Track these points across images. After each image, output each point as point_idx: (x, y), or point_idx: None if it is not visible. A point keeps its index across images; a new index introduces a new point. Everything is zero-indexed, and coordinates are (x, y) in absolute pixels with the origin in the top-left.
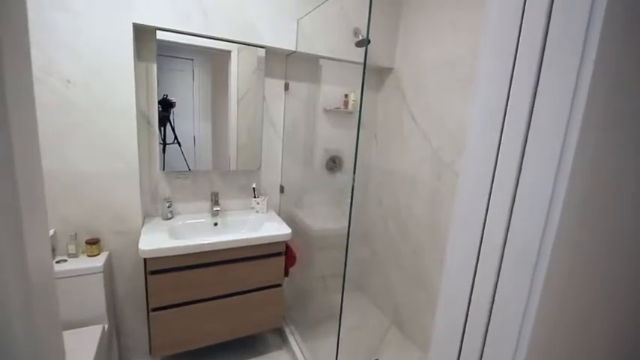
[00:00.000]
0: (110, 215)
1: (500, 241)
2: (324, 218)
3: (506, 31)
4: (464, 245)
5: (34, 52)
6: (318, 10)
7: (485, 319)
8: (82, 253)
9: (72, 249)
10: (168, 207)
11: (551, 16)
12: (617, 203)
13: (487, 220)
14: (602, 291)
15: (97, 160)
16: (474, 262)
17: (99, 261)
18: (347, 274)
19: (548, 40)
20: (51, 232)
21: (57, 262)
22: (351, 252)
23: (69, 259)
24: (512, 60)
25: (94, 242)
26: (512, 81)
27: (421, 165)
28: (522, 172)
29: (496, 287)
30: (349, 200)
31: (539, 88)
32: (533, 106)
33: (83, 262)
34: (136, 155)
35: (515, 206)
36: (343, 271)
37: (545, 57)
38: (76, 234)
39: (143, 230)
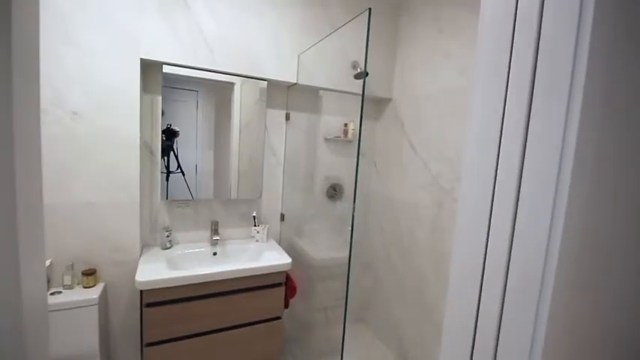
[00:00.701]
0: (108, 245)
1: (503, 269)
2: (325, 247)
3: (497, 65)
4: (466, 274)
5: (43, 85)
6: (318, 45)
7: (492, 351)
8: (78, 284)
9: (67, 280)
10: (167, 236)
11: (539, 54)
12: (616, 219)
13: (488, 250)
14: (608, 311)
15: (99, 190)
16: (477, 291)
17: (94, 293)
18: (349, 305)
19: (537, 68)
20: (47, 262)
21: (51, 293)
22: (352, 282)
23: (64, 291)
24: (505, 86)
25: (90, 273)
26: (505, 113)
27: (421, 192)
28: (520, 200)
29: (501, 317)
30: (350, 228)
31: (531, 116)
32: (526, 139)
33: (78, 294)
34: (137, 185)
35: (515, 232)
36: (345, 302)
37: (535, 83)
38: (72, 264)
39: (141, 260)
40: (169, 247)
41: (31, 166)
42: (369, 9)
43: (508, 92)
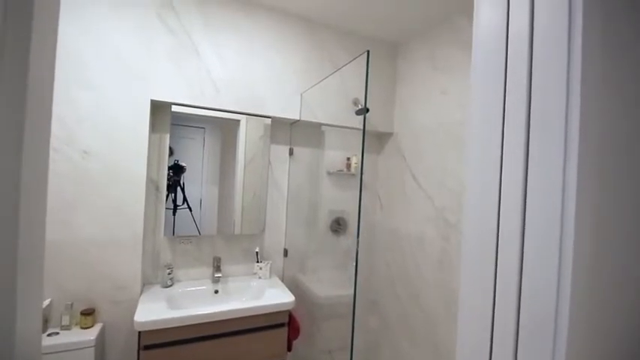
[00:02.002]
0: (109, 283)
1: (514, 309)
2: (329, 284)
3: (491, 104)
4: (476, 314)
5: (55, 126)
6: (320, 84)
7: None
8: (76, 324)
9: (66, 320)
10: (169, 274)
11: (532, 92)
12: (624, 244)
13: (497, 291)
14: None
15: (103, 227)
16: (489, 333)
17: (92, 334)
18: (355, 346)
19: (532, 95)
20: (47, 301)
21: (49, 334)
22: (358, 322)
23: (61, 332)
24: (501, 130)
25: (89, 313)
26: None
27: (427, 225)
28: (526, 233)
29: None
30: (354, 263)
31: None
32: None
33: (75, 336)
34: (141, 222)
35: (524, 267)
36: (350, 344)
37: (532, 103)
38: (72, 304)
39: (141, 299)
40: (170, 285)
41: (37, 208)
42: (368, 51)
43: (505, 137)
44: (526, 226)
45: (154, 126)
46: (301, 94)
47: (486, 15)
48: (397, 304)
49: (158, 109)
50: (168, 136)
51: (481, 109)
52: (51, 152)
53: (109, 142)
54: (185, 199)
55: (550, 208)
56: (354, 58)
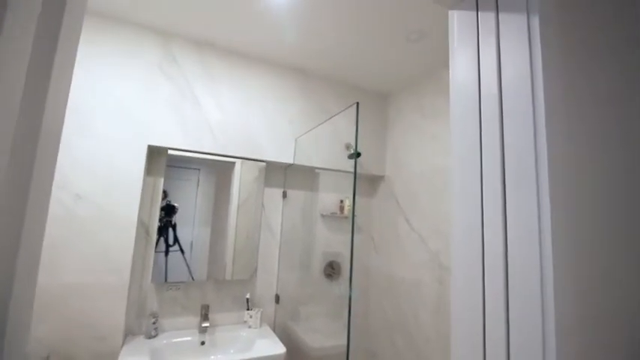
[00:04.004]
0: (89, 333)
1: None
2: (322, 333)
3: (470, 160)
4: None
5: None
6: (313, 130)
7: None
8: None
9: None
10: (153, 323)
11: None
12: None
13: (486, 337)
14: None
15: (88, 272)
16: None
17: None
18: None
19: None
20: None
21: None
22: None
23: None
24: (480, 179)
25: None
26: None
27: (421, 270)
28: (509, 273)
29: None
30: (347, 314)
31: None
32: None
33: None
34: (129, 267)
35: (510, 317)
36: None
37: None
38: (48, 356)
39: (122, 352)
40: (154, 336)
41: (33, 255)
42: (357, 103)
43: (483, 181)
44: (509, 267)
45: (150, 170)
46: (295, 139)
47: (460, 74)
48: (395, 353)
49: (155, 153)
50: (162, 180)
51: (461, 156)
52: None
53: (103, 186)
54: (176, 240)
55: (528, 251)
56: (345, 109)
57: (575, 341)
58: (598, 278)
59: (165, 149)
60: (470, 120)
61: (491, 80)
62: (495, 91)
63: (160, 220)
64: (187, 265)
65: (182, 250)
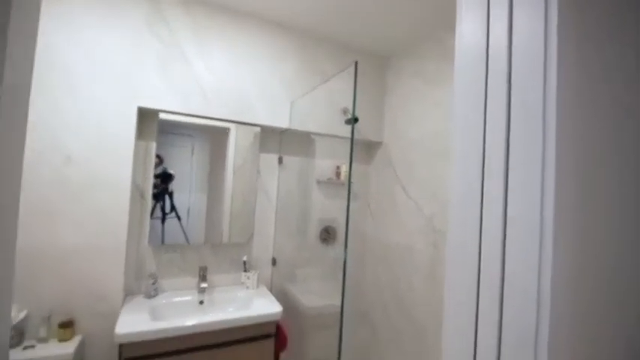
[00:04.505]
0: (89, 294)
1: (496, 322)
2: (318, 294)
3: (473, 118)
4: (460, 327)
5: (40, 132)
6: (309, 94)
7: None
8: (53, 337)
9: (43, 332)
10: (153, 284)
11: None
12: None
13: (479, 306)
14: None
15: (85, 234)
16: (472, 345)
17: (70, 347)
18: (344, 358)
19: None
20: (23, 313)
21: (24, 348)
22: (348, 333)
23: (37, 345)
24: (482, 141)
25: (67, 325)
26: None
27: (416, 236)
28: (507, 248)
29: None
30: (342, 276)
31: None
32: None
33: (52, 349)
34: (125, 229)
35: (505, 275)
36: (337, 355)
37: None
38: (49, 316)
39: (123, 311)
40: (154, 296)
41: (9, 213)
42: (356, 62)
43: (486, 144)
44: (507, 230)
45: (141, 133)
46: (291, 103)
47: (467, 31)
48: (387, 315)
49: (145, 116)
50: (154, 143)
51: (463, 120)
52: (32, 156)
53: (93, 148)
54: (173, 208)
55: (529, 217)
56: (343, 70)
57: (570, 301)
58: (601, 254)
59: (156, 112)
60: (475, 83)
61: (500, 42)
62: (504, 54)
63: (157, 187)
64: (184, 232)
65: (179, 217)
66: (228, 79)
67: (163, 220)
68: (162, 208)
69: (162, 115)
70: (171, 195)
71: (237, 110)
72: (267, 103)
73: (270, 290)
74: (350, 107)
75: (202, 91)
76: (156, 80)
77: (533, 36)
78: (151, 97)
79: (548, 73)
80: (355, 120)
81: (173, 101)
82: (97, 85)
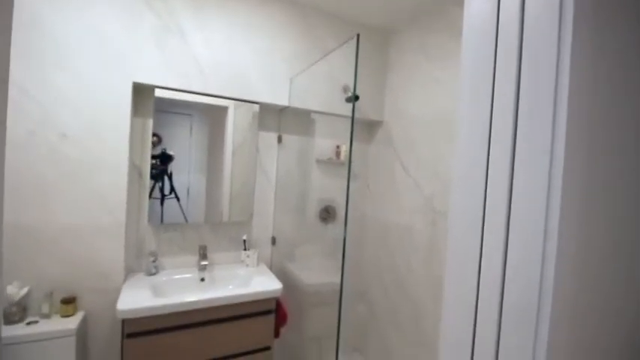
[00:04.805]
0: (90, 271)
1: (497, 296)
2: (317, 272)
3: (481, 88)
4: (460, 302)
5: (32, 109)
6: (309, 70)
7: None
8: (56, 313)
9: (45, 308)
10: (153, 261)
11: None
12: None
13: (481, 275)
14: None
15: (84, 213)
16: (472, 320)
17: (73, 322)
18: (343, 334)
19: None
20: (25, 290)
21: (27, 323)
22: (347, 310)
23: (40, 321)
24: (490, 105)
25: (69, 301)
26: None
27: (415, 215)
28: (511, 219)
29: (498, 344)
30: (342, 253)
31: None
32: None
33: (55, 324)
34: (124, 208)
35: (508, 253)
36: (337, 331)
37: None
38: (51, 293)
39: (124, 287)
40: (155, 273)
41: None
42: (358, 35)
43: (492, 124)
44: (512, 209)
45: (137, 110)
46: (290, 80)
47: (477, 3)
48: (385, 293)
49: (141, 92)
50: (151, 121)
51: (470, 97)
52: (26, 134)
53: (88, 125)
54: (173, 189)
55: (535, 195)
56: (345, 42)
57: (572, 289)
58: (607, 245)
59: (152, 87)
60: (484, 57)
61: (512, 15)
62: (516, 28)
63: (155, 168)
64: (183, 213)
65: (178, 198)
66: (226, 55)
67: (162, 201)
68: (162, 190)
69: (158, 93)
70: (170, 176)
71: (235, 87)
72: (266, 80)
73: (270, 269)
74: (350, 85)
75: (199, 67)
76: (151, 55)
77: (548, 6)
78: (146, 73)
79: (562, 44)
80: (356, 98)
81: (169, 77)
82: (89, 60)
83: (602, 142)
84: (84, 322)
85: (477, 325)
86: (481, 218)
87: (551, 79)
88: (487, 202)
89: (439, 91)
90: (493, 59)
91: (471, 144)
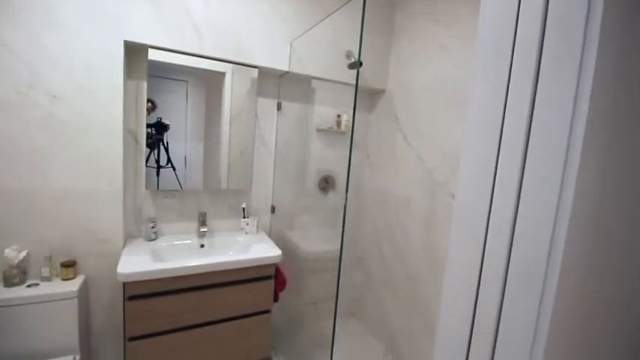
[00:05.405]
0: (89, 236)
1: (504, 258)
2: (316, 240)
3: (500, 47)
4: (464, 264)
5: (19, 67)
6: (310, 32)
7: (491, 346)
8: (57, 276)
9: (45, 272)
10: (152, 227)
11: (546, 28)
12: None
13: (488, 236)
14: (615, 293)
15: (80, 178)
16: (476, 282)
17: (74, 285)
18: (340, 299)
19: (543, 55)
20: (24, 253)
21: (28, 285)
22: (344, 275)
23: (41, 283)
24: (508, 71)
25: (69, 265)
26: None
27: (415, 186)
28: (524, 183)
29: (501, 310)
30: (342, 220)
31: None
32: (532, 111)
33: (57, 287)
34: (120, 174)
35: (517, 220)
36: (336, 294)
37: (541, 66)
38: (50, 256)
39: (124, 252)
40: (154, 239)
41: None
42: None
43: (511, 77)
44: (523, 185)
45: (130, 72)
46: (291, 43)
47: None
48: (382, 261)
49: (133, 53)
50: (145, 83)
51: (485, 67)
52: (15, 95)
53: (80, 86)
54: (169, 160)
55: (550, 174)
56: (349, 1)
57: (585, 247)
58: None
59: (145, 47)
60: (503, 23)
61: None
62: None
63: (151, 137)
64: (179, 183)
65: (174, 168)
66: (223, 14)
67: (158, 172)
68: (157, 161)
69: (152, 55)
70: (167, 147)
71: (232, 49)
72: (266, 43)
73: (270, 236)
74: (354, 50)
75: (195, 27)
76: (144, 12)
77: None
78: (138, 31)
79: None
80: (360, 64)
81: (163, 37)
82: (79, 18)
83: (624, 110)
84: (85, 285)
85: (482, 280)
86: (493, 169)
87: (580, 34)
88: (497, 174)
89: (445, 59)
90: (515, 17)
91: (483, 119)
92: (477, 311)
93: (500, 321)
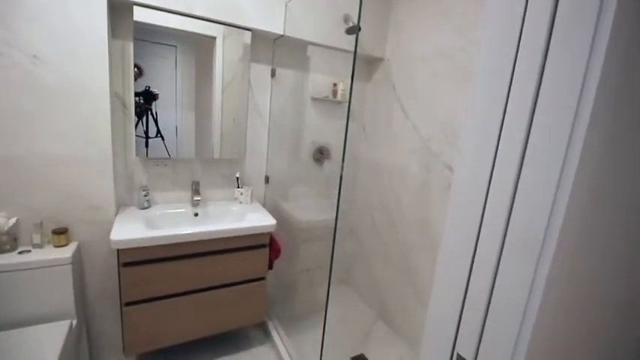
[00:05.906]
0: (80, 203)
1: (501, 228)
2: (310, 210)
3: (508, 22)
4: (460, 234)
5: None
6: None
7: (483, 314)
8: (48, 243)
9: (37, 239)
10: (145, 196)
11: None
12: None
13: (486, 208)
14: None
15: (66, 143)
16: (472, 251)
17: (67, 252)
18: (333, 266)
19: (555, 22)
20: (13, 220)
21: (20, 252)
22: (338, 244)
23: (33, 250)
24: (516, 46)
25: (61, 232)
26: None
27: (410, 157)
28: (526, 157)
29: (495, 280)
30: (337, 191)
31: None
32: (539, 86)
33: (49, 253)
34: (109, 139)
35: (517, 193)
36: (330, 262)
37: (553, 34)
38: (41, 222)
39: (116, 220)
40: (147, 207)
41: None
42: None
43: (519, 50)
44: (527, 148)
45: (115, 31)
46: (286, 4)
47: None
48: (374, 230)
49: (118, 11)
50: (131, 44)
51: (493, 40)
52: None
53: (62, 46)
54: (158, 131)
55: (553, 151)
56: None
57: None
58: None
59: (130, 5)
60: None
61: None
62: None
63: (139, 106)
64: (168, 152)
65: (163, 138)
66: None
67: (147, 143)
68: (146, 132)
69: (138, 16)
70: (155, 117)
71: (224, 10)
72: (259, 3)
73: (264, 206)
74: (352, 13)
75: None
76: None
77: None
78: None
79: None
80: (358, 29)
81: None
82: None
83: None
84: (78, 251)
85: (476, 253)
86: (495, 145)
87: (590, 24)
88: (500, 146)
89: (446, 26)
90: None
91: (489, 90)
92: (469, 286)
93: (494, 290)
